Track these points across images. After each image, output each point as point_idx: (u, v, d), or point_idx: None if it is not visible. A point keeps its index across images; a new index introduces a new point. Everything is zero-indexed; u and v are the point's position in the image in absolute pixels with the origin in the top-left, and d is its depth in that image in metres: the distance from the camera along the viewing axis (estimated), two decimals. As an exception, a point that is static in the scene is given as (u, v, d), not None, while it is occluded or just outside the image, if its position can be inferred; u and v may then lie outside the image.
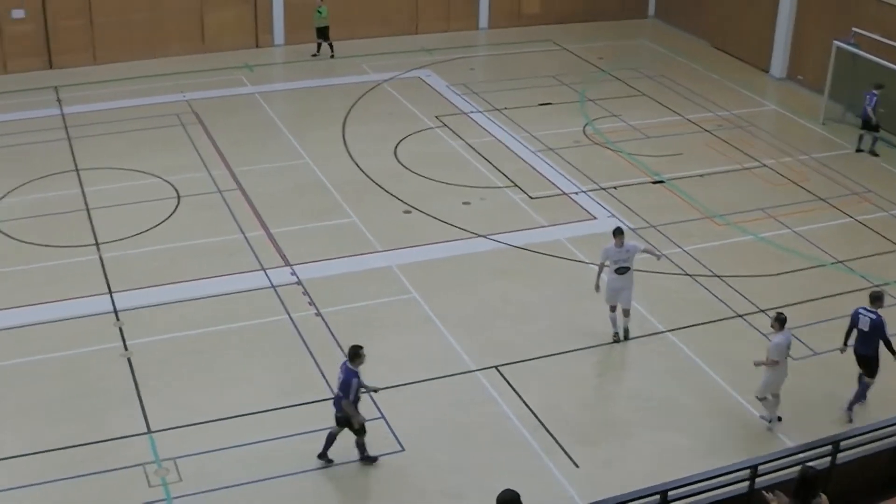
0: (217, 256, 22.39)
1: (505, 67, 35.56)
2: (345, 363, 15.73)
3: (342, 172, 26.49)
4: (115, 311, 20.38)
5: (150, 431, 16.91)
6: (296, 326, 19.68)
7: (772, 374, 16.94)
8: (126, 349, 19.15)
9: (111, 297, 20.89)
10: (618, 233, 19.07)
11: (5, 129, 30.10)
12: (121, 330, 19.77)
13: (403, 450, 16.38)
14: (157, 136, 29.35)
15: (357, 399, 15.65)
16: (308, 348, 19.01)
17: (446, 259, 22.26)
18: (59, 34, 35.21)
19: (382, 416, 17.08)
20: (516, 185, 25.68)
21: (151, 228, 23.57)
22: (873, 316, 17.23)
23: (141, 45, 36.16)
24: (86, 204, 24.93)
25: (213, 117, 30.56)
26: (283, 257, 22.23)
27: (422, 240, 23.10)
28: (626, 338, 19.45)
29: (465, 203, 24.79)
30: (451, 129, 29.32)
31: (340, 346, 18.92)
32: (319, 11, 35.45)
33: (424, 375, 18.26)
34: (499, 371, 18.35)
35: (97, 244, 22.99)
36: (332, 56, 36.07)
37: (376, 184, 25.77)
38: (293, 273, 21.59)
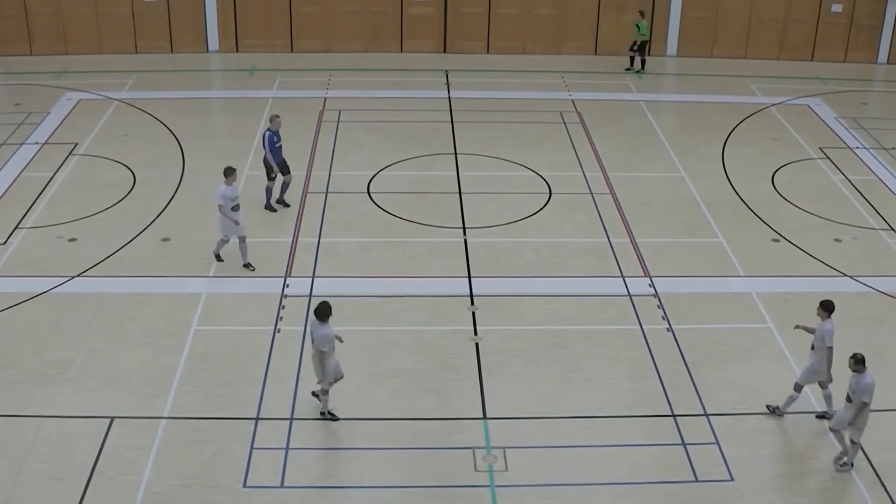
0: (578, 257, 22.87)
1: (901, 105, 34.20)
2: None
3: (716, 192, 26.35)
4: (472, 296, 21.22)
5: (485, 417, 17.50)
6: (646, 338, 19.84)
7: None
8: (476, 334, 19.92)
9: (469, 281, 21.76)
10: None
11: (397, 105, 32.06)
12: (473, 314, 20.57)
13: (732, 480, 16.21)
14: (538, 130, 30.28)
15: None
16: (654, 362, 19.11)
17: (808, 294, 21.60)
18: (457, 20, 36.91)
19: (717, 443, 16.99)
20: (893, 230, 24.65)
21: (519, 220, 24.36)
22: None
23: (536, 39, 37.33)
24: (459, 187, 26.06)
25: (595, 119, 31.17)
26: (644, 268, 22.42)
27: (786, 271, 22.66)
28: None
29: (836, 240, 24.08)
30: (833, 163, 28.49)
31: (687, 365, 18.98)
32: (638, 26, 35.19)
33: (766, 408, 17.99)
34: (845, 418, 17.82)
35: (464, 228, 24.00)
36: (639, 72, 35.90)
37: (749, 208, 25.47)
38: (651, 285, 21.74)
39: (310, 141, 28.81)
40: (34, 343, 19.21)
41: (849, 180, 27.39)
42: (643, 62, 35.87)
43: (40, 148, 27.94)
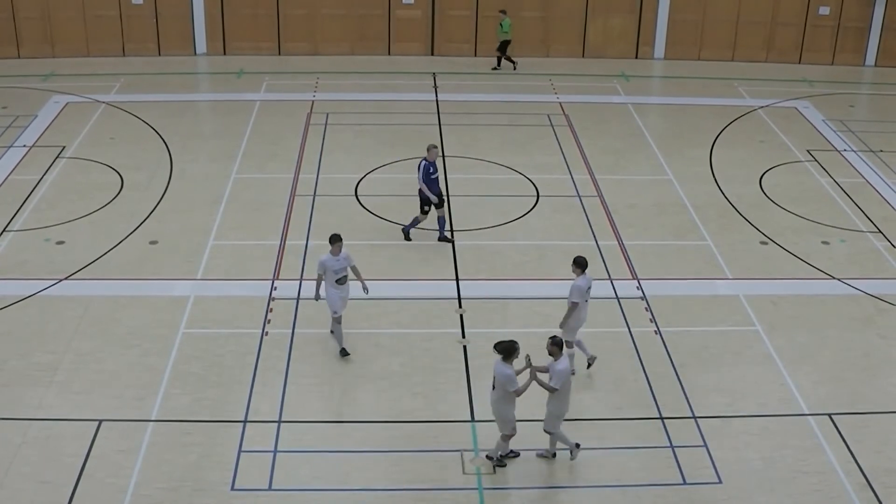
0: (566, 260, 22.66)
1: (888, 108, 34.18)
2: None
3: (704, 194, 26.38)
4: (459, 298, 21.21)
5: (473, 420, 17.49)
6: (633, 341, 19.85)
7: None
8: (464, 337, 19.90)
9: (457, 283, 21.75)
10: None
11: (385, 108, 32.03)
12: (461, 317, 20.56)
13: (721, 482, 16.22)
14: (525, 133, 30.28)
15: None
16: (642, 364, 19.12)
17: (796, 297, 21.75)
18: (444, 23, 36.92)
19: (705, 445, 17.01)
20: (881, 232, 24.72)
21: (507, 223, 24.33)
22: None
23: (524, 42, 37.30)
24: (447, 190, 25.95)
25: (582, 122, 31.19)
26: (632, 270, 22.44)
27: (774, 273, 22.70)
28: None
29: (823, 242, 24.13)
30: (820, 165, 28.56)
31: (674, 367, 19.00)
32: (501, 25, 35.24)
33: (754, 411, 17.97)
34: (832, 419, 17.80)
35: (452, 230, 23.94)
36: (495, 68, 36.02)
37: (737, 210, 25.51)
38: (639, 287, 21.76)
39: (297, 143, 28.78)
40: (21, 346, 19.15)
41: (836, 183, 27.46)
42: (511, 59, 35.88)
43: (28, 151, 27.86)
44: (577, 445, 16.43)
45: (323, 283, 18.81)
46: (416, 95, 33.37)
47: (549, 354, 15.89)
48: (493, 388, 15.84)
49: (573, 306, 18.01)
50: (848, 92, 35.45)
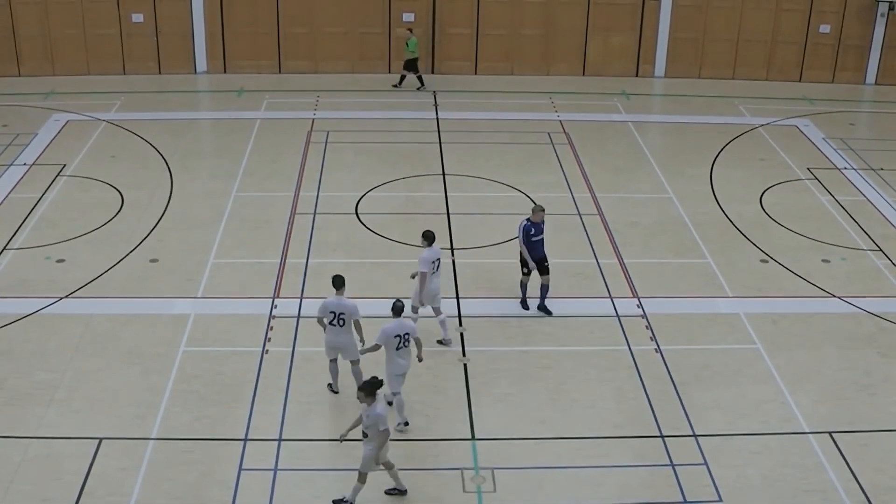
0: (566, 278, 22.85)
1: (888, 126, 34.21)
2: None
3: (704, 213, 26.39)
4: (459, 317, 21.16)
5: (473, 438, 17.45)
6: (634, 359, 19.84)
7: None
8: (464, 355, 19.89)
9: (458, 301, 21.71)
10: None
11: (384, 126, 32.12)
12: (462, 335, 20.55)
13: (721, 500, 16.17)
14: (526, 151, 30.32)
15: None
16: (642, 382, 19.10)
17: (796, 315, 21.74)
18: (444, 41, 36.99)
19: (705, 463, 16.97)
20: (881, 250, 24.72)
21: (507, 241, 24.27)
22: None
23: (524, 60, 37.43)
24: (447, 208, 26.05)
25: (583, 140, 31.23)
26: (632, 288, 22.43)
27: (774, 291, 22.69)
28: None
29: (824, 261, 24.13)
30: (821, 183, 28.57)
31: (675, 386, 18.98)
32: (407, 44, 35.28)
33: (754, 429, 17.92)
34: (832, 438, 17.76)
35: (452, 249, 23.99)
36: (396, 86, 36.06)
37: (737, 228, 25.51)
38: (639, 305, 21.75)
39: (298, 162, 28.81)
40: (22, 364, 19.13)
41: (837, 201, 27.47)
42: (420, 78, 35.82)
43: (28, 169, 27.90)
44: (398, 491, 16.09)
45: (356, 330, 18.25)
46: (417, 114, 33.42)
47: (362, 403, 15.45)
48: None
49: (422, 276, 19.31)
50: (848, 110, 35.49)
